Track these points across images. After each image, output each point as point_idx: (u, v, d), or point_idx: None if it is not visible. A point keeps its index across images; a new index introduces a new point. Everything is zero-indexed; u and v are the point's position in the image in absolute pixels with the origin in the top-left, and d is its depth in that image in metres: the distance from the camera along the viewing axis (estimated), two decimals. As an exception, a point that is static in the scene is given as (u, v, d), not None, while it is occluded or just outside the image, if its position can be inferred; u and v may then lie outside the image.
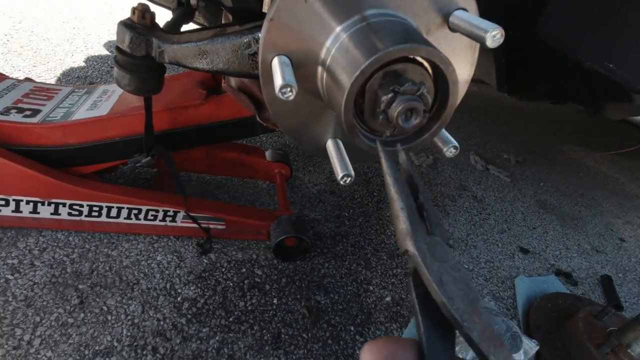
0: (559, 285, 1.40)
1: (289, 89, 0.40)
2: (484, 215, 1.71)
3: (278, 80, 0.40)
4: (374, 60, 0.37)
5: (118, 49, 0.70)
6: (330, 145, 0.52)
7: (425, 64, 0.41)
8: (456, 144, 0.49)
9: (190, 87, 1.03)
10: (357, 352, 0.98)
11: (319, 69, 0.48)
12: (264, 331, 0.96)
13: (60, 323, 0.85)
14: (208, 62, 0.62)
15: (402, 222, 0.28)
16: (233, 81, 0.88)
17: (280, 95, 0.40)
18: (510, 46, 1.20)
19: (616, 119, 1.42)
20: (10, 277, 0.91)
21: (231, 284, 1.05)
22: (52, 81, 1.70)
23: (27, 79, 1.16)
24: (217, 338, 0.92)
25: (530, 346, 0.88)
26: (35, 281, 0.92)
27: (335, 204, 1.48)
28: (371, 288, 1.17)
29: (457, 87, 0.41)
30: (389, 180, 0.32)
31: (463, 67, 0.51)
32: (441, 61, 0.39)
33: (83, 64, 1.90)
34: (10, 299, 0.87)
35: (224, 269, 1.09)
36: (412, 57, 0.40)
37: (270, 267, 1.14)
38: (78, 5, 2.47)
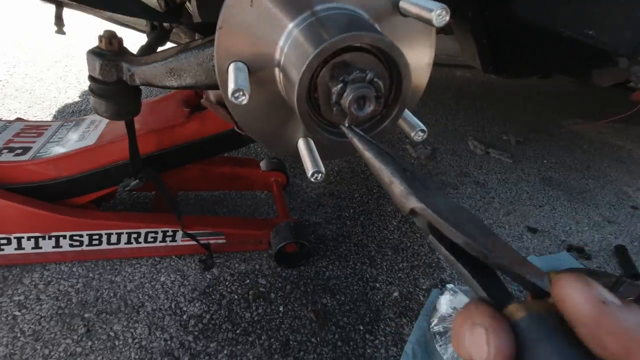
0: (572, 261, 1.36)
1: (240, 93, 0.40)
2: (487, 199, 1.69)
3: (230, 86, 0.41)
4: (319, 52, 0.37)
5: (91, 77, 0.72)
6: (300, 144, 0.52)
7: (375, 52, 0.41)
8: (423, 127, 0.49)
9: (174, 107, 1.04)
10: (368, 351, 0.97)
11: (276, 70, 0.48)
12: (272, 340, 0.96)
13: (68, 353, 0.86)
14: (177, 79, 0.63)
15: (399, 185, 0.29)
16: (212, 95, 0.89)
17: (233, 100, 0.40)
18: (489, 27, 1.20)
19: (606, 85, 1.40)
20: (17, 313, 0.93)
21: (236, 297, 1.05)
22: (49, 119, 1.74)
23: (18, 119, 1.19)
24: (225, 352, 0.91)
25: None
26: (42, 315, 0.93)
27: (335, 205, 1.48)
28: (378, 285, 1.16)
29: (408, 70, 0.41)
30: (368, 154, 0.33)
31: (422, 51, 0.50)
32: (386, 45, 0.39)
33: (77, 99, 1.95)
34: (18, 335, 0.88)
35: (227, 282, 1.09)
36: (359, 45, 0.40)
37: (274, 275, 1.13)
38: (68, 44, 2.53)
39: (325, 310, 1.05)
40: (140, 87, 0.76)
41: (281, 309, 1.04)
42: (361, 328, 1.02)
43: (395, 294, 1.14)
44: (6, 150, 0.98)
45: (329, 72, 0.40)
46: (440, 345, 0.89)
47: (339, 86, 0.38)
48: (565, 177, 1.94)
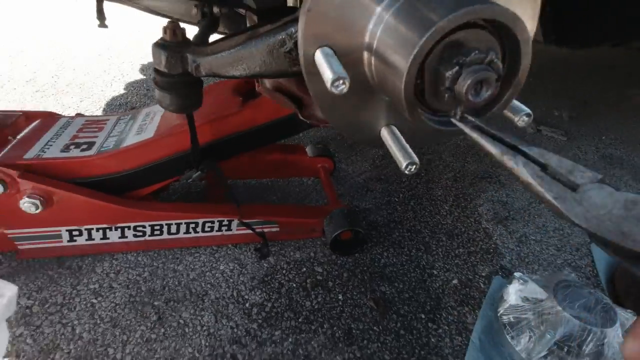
0: None
1: (341, 82, 0.37)
2: (544, 180, 1.59)
3: (328, 74, 0.38)
4: (433, 33, 0.34)
5: (156, 70, 0.71)
6: (385, 133, 0.49)
7: (491, 28, 0.37)
8: (529, 111, 0.44)
9: (226, 96, 1.03)
10: (432, 340, 0.95)
11: (365, 54, 0.45)
12: (335, 328, 0.96)
13: (144, 339, 0.90)
14: (244, 68, 0.61)
15: (545, 195, 0.26)
16: (268, 82, 0.87)
17: (333, 90, 0.38)
18: (553, -9, 1.09)
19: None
20: (94, 301, 0.97)
21: (294, 285, 1.06)
22: (99, 112, 1.80)
23: (78, 115, 1.23)
24: (290, 340, 0.92)
25: (627, 317, 0.80)
26: (117, 302, 0.97)
27: (383, 190, 1.45)
28: (435, 272, 1.13)
29: (529, 47, 0.37)
30: (493, 150, 0.30)
31: (526, 23, 0.45)
32: (509, 19, 0.34)
33: (123, 91, 1.99)
34: (98, 321, 0.93)
35: (284, 271, 1.10)
36: (473, 22, 0.36)
37: (330, 263, 1.13)
38: (108, 37, 2.59)
39: (385, 299, 1.04)
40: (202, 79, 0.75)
41: (340, 297, 1.03)
42: (423, 316, 1.00)
43: (455, 281, 1.11)
44: (73, 146, 1.01)
45: (438, 55, 0.36)
46: (512, 337, 0.85)
47: (454, 70, 0.35)
48: (628, 154, 1.80)
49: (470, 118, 0.34)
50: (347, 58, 0.46)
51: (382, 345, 0.93)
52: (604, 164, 1.73)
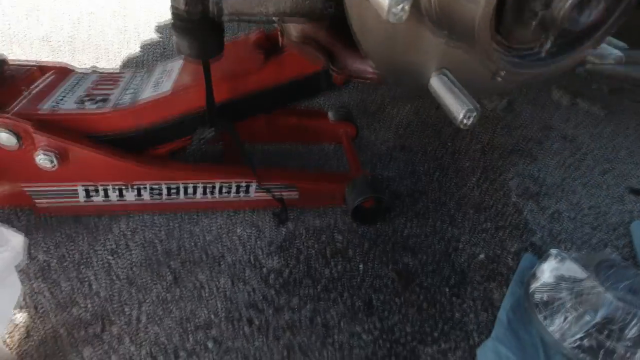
0: (687, 228, 1.18)
1: (400, 7, 0.30)
2: (579, 155, 1.49)
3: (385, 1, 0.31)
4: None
5: (175, 14, 0.65)
6: (437, 79, 0.42)
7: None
8: (621, 53, 0.36)
9: (247, 52, 0.96)
10: (456, 314, 0.91)
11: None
12: (354, 298, 0.92)
13: (160, 299, 0.89)
14: (272, 6, 0.54)
15: None
16: (294, 34, 0.80)
17: (391, 18, 0.31)
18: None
19: None
20: (111, 259, 0.96)
21: (313, 252, 1.02)
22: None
23: (94, 70, 1.18)
24: (308, 307, 0.90)
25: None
26: (133, 261, 0.96)
27: (407, 159, 1.38)
28: (461, 246, 1.08)
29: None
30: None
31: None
32: None
33: (139, 50, 1.93)
34: (115, 279, 0.91)
35: (303, 238, 1.06)
36: None
37: (351, 232, 1.09)
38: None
39: (408, 270, 1.00)
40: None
41: (361, 266, 1.00)
42: (447, 290, 0.96)
43: (481, 256, 1.06)
44: (88, 100, 0.97)
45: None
46: (544, 316, 0.80)
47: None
48: (674, 131, 1.67)
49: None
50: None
51: (403, 317, 0.89)
52: (646, 141, 1.61)
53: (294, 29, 0.80)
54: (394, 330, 0.87)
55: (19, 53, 1.79)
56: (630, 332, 0.70)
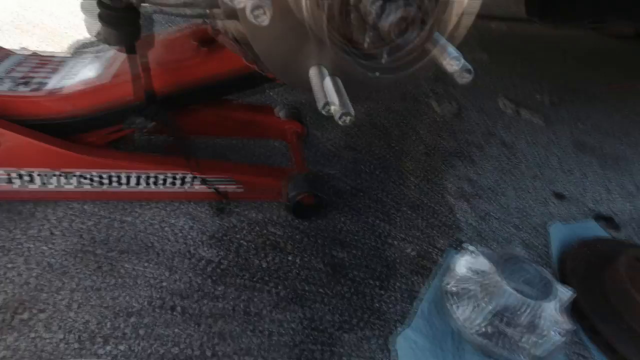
0: (599, 231, 1.30)
1: (261, 11, 0.34)
2: (514, 161, 1.60)
3: (249, 2, 0.34)
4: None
5: (100, 3, 0.65)
6: (312, 72, 0.45)
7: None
8: (469, 66, 0.42)
9: (185, 44, 0.97)
10: (381, 305, 0.96)
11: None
12: (288, 290, 0.96)
13: (94, 288, 0.88)
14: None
15: None
16: (225, 31, 0.82)
17: (252, 19, 0.34)
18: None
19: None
20: (44, 248, 0.94)
21: (253, 245, 1.05)
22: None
23: (34, 53, 1.15)
24: (242, 297, 0.92)
25: (565, 293, 0.82)
26: (68, 250, 0.94)
27: (352, 158, 1.43)
28: (393, 242, 1.14)
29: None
30: None
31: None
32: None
33: (88, 35, 1.87)
34: (46, 268, 0.90)
35: (243, 231, 1.08)
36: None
37: (289, 226, 1.12)
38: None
39: (339, 264, 1.04)
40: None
41: (295, 259, 1.03)
42: (372, 282, 1.01)
43: (411, 251, 1.12)
44: (23, 84, 0.94)
45: (366, -12, 0.33)
46: (451, 305, 0.87)
47: (378, 4, 0.31)
48: (600, 142, 1.82)
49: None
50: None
51: (329, 307, 0.94)
52: (575, 150, 1.75)
53: (230, 27, 0.81)
54: (319, 319, 0.91)
55: (-42, 31, 1.70)
56: (523, 319, 0.78)
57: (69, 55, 1.25)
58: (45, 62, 1.08)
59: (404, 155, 1.51)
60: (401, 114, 1.75)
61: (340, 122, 0.41)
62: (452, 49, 0.40)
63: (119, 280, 0.90)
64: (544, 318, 0.78)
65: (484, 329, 0.80)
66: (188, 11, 0.58)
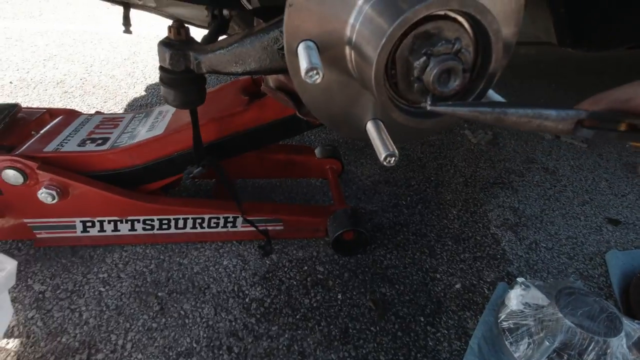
0: (663, 257, 1.21)
1: (314, 72, 0.39)
2: (559, 187, 1.55)
3: (303, 65, 0.40)
4: (400, 22, 0.35)
5: (161, 68, 0.75)
6: (370, 126, 0.50)
7: (460, 19, 0.38)
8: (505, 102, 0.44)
9: (233, 96, 1.07)
10: (430, 343, 0.94)
11: (347, 48, 0.46)
12: (332, 327, 0.96)
13: (146, 328, 0.93)
14: (241, 65, 0.64)
15: (546, 113, 0.29)
16: (271, 81, 0.90)
17: (307, 80, 0.39)
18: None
19: None
20: (102, 289, 1.02)
21: (295, 283, 1.07)
22: (122, 112, 1.88)
23: (97, 113, 1.29)
24: (286, 335, 0.93)
25: (634, 328, 0.77)
26: (123, 291, 1.01)
27: (391, 193, 1.44)
28: (438, 276, 1.12)
29: (500, 38, 0.37)
30: (486, 114, 0.31)
31: (506, 20, 0.45)
32: (477, 10, 0.35)
33: (144, 93, 2.08)
34: (104, 309, 0.97)
35: (286, 269, 1.11)
36: (443, 13, 0.37)
37: (332, 263, 1.13)
38: (135, 43, 2.71)
39: (385, 300, 1.03)
40: (205, 76, 0.78)
41: (340, 296, 1.04)
42: (422, 319, 0.99)
43: (458, 285, 1.09)
44: (89, 141, 1.06)
45: (409, 45, 0.37)
46: (510, 342, 0.83)
47: (422, 59, 0.35)
48: (653, 163, 1.72)
49: (441, 104, 0.34)
50: (331, 52, 0.47)
51: (378, 345, 0.92)
52: (626, 172, 1.66)
53: (270, 77, 0.89)
54: (368, 358, 0.90)
55: (34, 97, 1.94)
56: (589, 357, 0.73)
57: (126, 112, 1.39)
58: (107, 120, 1.22)
59: (443, 187, 1.50)
60: (436, 146, 1.76)
61: (385, 164, 0.44)
62: (491, 92, 0.43)
63: (179, 321, 0.94)
64: (612, 355, 0.73)
65: (545, 368, 0.76)
66: (239, 69, 0.66)
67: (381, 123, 0.51)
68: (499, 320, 0.89)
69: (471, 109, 0.31)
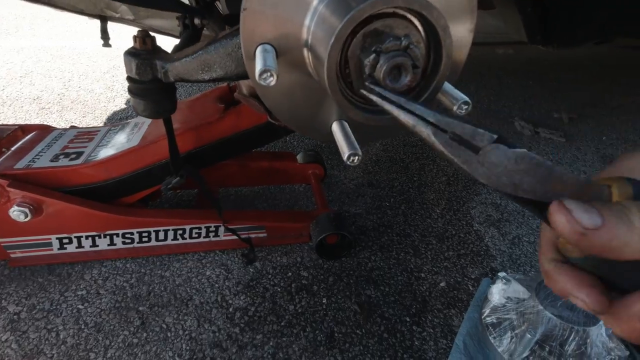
0: None
1: (268, 74, 0.38)
2: (540, 182, 1.57)
3: (257, 67, 0.39)
4: (347, 21, 0.35)
5: (129, 78, 0.74)
6: (335, 127, 0.50)
7: (409, 16, 0.38)
8: (466, 99, 0.44)
9: (209, 105, 1.06)
10: (416, 343, 0.93)
11: (305, 51, 0.46)
12: (317, 332, 0.95)
13: (127, 344, 0.91)
14: (207, 72, 0.63)
15: (457, 162, 0.28)
16: (244, 88, 0.90)
17: (261, 82, 0.39)
18: (533, -9, 1.09)
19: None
20: (81, 306, 0.99)
21: (279, 289, 1.06)
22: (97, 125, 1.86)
23: (72, 127, 1.27)
24: (271, 344, 0.92)
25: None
26: (102, 308, 0.99)
27: (374, 195, 1.44)
28: (423, 275, 1.12)
29: (448, 33, 0.37)
30: (407, 121, 0.30)
31: (460, 15, 0.46)
32: (422, 6, 0.35)
33: (124, 106, 2.06)
34: (82, 327, 0.94)
35: (270, 276, 1.10)
36: (391, 11, 0.37)
37: (316, 268, 1.13)
38: (115, 56, 2.69)
39: (370, 302, 1.03)
40: (176, 85, 0.78)
41: (324, 300, 1.03)
42: (407, 320, 0.99)
43: (442, 284, 1.09)
44: (62, 156, 1.04)
45: (359, 44, 0.37)
46: (494, 338, 0.83)
47: (372, 57, 0.36)
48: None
49: (376, 88, 0.34)
50: (290, 56, 0.47)
51: (364, 348, 0.91)
52: (603, 164, 1.70)
53: (243, 84, 0.89)
54: (355, 363, 0.89)
55: (9, 114, 1.91)
56: (570, 347, 0.73)
57: (102, 125, 1.37)
58: (81, 134, 1.20)
59: (426, 187, 1.51)
60: (418, 146, 1.78)
61: (349, 163, 0.44)
62: (447, 85, 0.43)
63: (161, 334, 0.92)
64: (593, 345, 0.73)
65: (529, 361, 0.76)
66: (206, 77, 0.65)
67: (346, 123, 0.51)
68: (482, 316, 0.89)
69: (392, 107, 0.31)
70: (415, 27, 0.38)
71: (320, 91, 0.50)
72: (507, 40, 2.31)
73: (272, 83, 0.38)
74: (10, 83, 2.22)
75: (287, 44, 0.46)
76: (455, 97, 0.45)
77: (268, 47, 0.45)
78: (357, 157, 0.44)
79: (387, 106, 0.31)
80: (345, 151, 0.45)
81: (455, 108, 0.45)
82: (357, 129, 0.50)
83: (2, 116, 1.89)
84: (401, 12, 0.37)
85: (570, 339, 0.72)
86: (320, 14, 0.41)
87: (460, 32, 0.46)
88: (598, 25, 1.18)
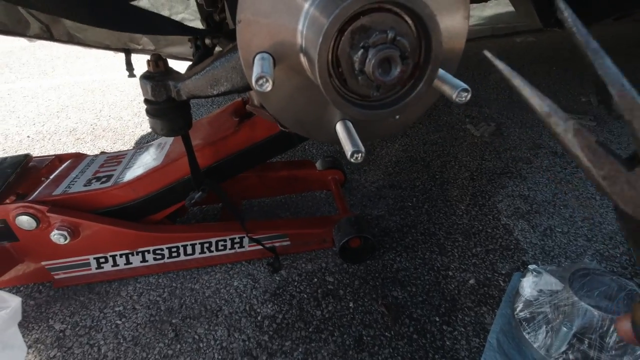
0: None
1: (264, 80, 0.40)
2: (569, 169, 1.50)
3: (253, 75, 0.41)
4: (332, 20, 0.36)
5: (145, 100, 0.78)
6: (338, 127, 0.51)
7: (396, 9, 0.39)
8: (465, 86, 0.44)
9: (225, 119, 1.10)
10: (447, 343, 0.91)
11: (301, 56, 0.47)
12: (345, 336, 0.94)
13: (162, 355, 0.94)
14: (216, 87, 0.66)
15: (595, 175, 0.23)
16: (255, 99, 0.92)
17: (258, 89, 0.40)
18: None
19: None
20: (119, 322, 1.04)
21: (305, 296, 1.06)
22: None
23: (102, 153, 1.35)
24: (300, 350, 0.92)
25: (656, 303, 0.72)
26: (138, 322, 1.03)
27: (396, 196, 1.43)
28: (450, 273, 1.09)
29: (435, 22, 0.37)
30: (541, 107, 0.26)
31: (450, 5, 0.46)
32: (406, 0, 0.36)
33: (150, 130, 2.16)
34: (121, 341, 0.98)
35: (296, 283, 1.11)
36: (377, 6, 0.38)
37: (341, 272, 1.12)
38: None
39: (397, 303, 1.01)
40: (189, 102, 0.82)
41: (351, 304, 1.02)
42: (437, 319, 0.96)
43: (471, 281, 1.06)
44: (95, 180, 1.11)
45: (348, 41, 0.38)
46: (528, 333, 0.80)
47: (360, 52, 0.36)
48: (668, 132, 1.64)
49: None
50: (289, 61, 0.49)
51: (393, 350, 0.90)
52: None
53: (254, 95, 0.92)
54: (386, 365, 0.87)
55: (49, 147, 2.05)
56: (611, 340, 0.69)
57: (130, 149, 1.45)
58: (110, 158, 1.27)
59: (449, 184, 1.48)
60: (439, 144, 1.75)
61: (352, 160, 0.44)
62: (443, 73, 0.43)
63: (193, 345, 0.95)
64: (637, 335, 0.69)
65: (567, 356, 0.72)
66: (214, 92, 0.68)
67: (349, 123, 0.51)
68: (515, 312, 0.86)
69: (529, 91, 0.28)
70: (404, 19, 0.38)
71: (322, 93, 0.51)
72: (524, 29, 2.25)
73: (269, 89, 0.40)
74: (49, 119, 2.39)
75: (284, 50, 0.48)
76: (454, 84, 0.44)
77: (265, 55, 0.47)
78: (360, 155, 0.45)
79: (516, 80, 0.28)
80: (348, 149, 0.45)
81: (454, 96, 0.45)
82: (363, 126, 0.50)
83: (43, 149, 2.03)
84: (387, 6, 0.38)
85: (611, 330, 0.68)
86: (311, 17, 0.43)
87: (454, 20, 0.46)
88: (610, 3, 1.13)
